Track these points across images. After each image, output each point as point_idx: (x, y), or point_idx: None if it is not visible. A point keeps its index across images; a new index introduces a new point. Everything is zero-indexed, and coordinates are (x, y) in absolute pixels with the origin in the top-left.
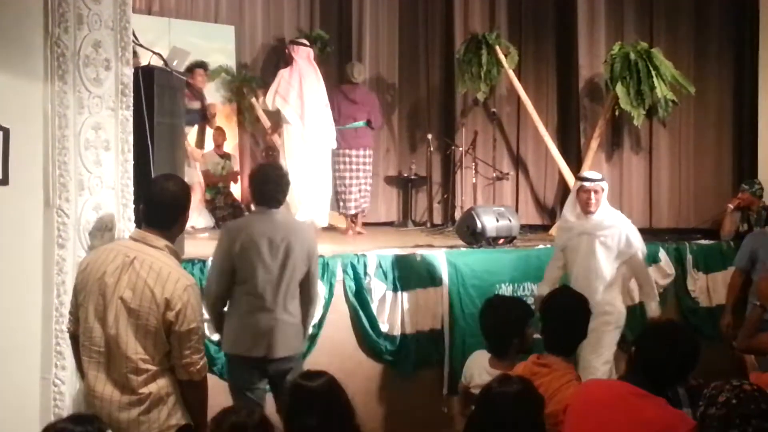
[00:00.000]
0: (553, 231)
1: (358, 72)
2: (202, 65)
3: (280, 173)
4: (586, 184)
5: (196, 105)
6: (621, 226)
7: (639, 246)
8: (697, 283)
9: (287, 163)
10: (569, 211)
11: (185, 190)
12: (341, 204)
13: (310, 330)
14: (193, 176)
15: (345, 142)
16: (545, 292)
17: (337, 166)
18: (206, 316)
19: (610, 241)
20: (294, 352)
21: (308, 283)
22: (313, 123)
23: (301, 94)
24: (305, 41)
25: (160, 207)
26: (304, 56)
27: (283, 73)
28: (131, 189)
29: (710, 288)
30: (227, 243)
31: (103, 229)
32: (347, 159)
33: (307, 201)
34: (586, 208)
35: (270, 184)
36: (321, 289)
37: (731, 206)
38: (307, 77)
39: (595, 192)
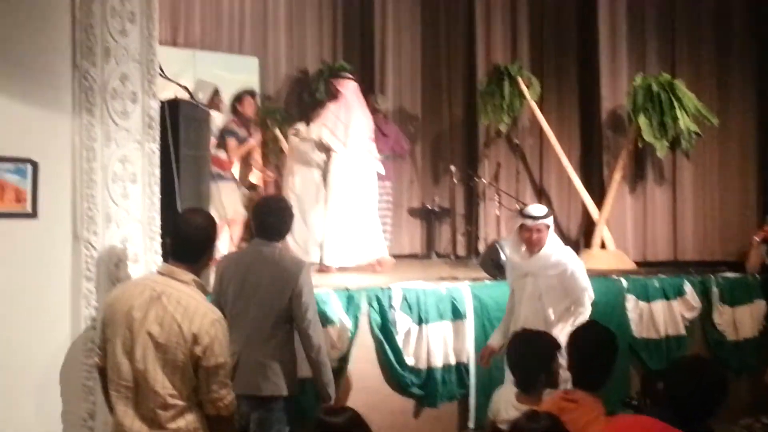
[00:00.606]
0: None
1: (382, 100)
2: (251, 93)
3: (282, 206)
4: (528, 222)
5: (243, 133)
6: (568, 263)
7: (586, 286)
8: (723, 317)
9: (328, 195)
10: (512, 250)
11: (212, 224)
12: None
13: (324, 376)
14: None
15: None
16: (496, 343)
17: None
18: None
19: (556, 281)
20: (255, 392)
21: (301, 326)
22: (359, 155)
23: (348, 126)
24: (349, 74)
25: (186, 241)
26: (350, 89)
27: (331, 107)
28: (158, 221)
29: (737, 321)
30: (215, 277)
31: (130, 262)
32: None
33: (343, 236)
34: (529, 247)
35: (271, 217)
36: (346, 323)
37: (757, 239)
38: (354, 109)
39: (538, 230)
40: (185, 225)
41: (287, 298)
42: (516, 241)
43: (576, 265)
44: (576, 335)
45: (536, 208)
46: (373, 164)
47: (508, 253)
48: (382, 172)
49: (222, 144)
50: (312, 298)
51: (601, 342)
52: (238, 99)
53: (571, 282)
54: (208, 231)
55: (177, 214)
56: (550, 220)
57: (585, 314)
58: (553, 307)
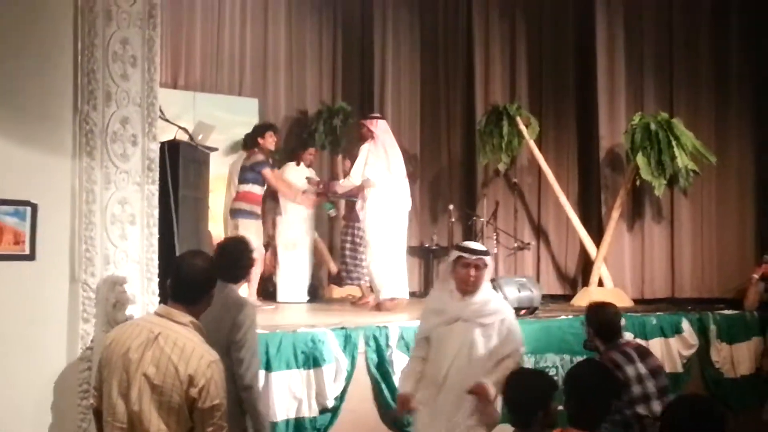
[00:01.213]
0: (575, 301)
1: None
2: (271, 127)
3: (240, 248)
4: (467, 256)
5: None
6: (505, 312)
7: (521, 340)
8: (721, 354)
9: (367, 233)
10: (441, 289)
11: (212, 267)
12: (360, 275)
13: (255, 421)
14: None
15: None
16: (410, 390)
17: (352, 238)
18: None
19: (492, 330)
20: None
21: (233, 365)
22: (398, 193)
23: (389, 165)
24: (378, 114)
25: (186, 283)
26: (383, 128)
27: (370, 147)
28: (156, 263)
29: (734, 359)
30: None
31: (128, 304)
32: (361, 232)
33: (388, 271)
34: (463, 286)
35: (226, 258)
36: (343, 362)
37: (756, 276)
38: (390, 148)
39: (477, 267)
40: (185, 267)
41: (226, 339)
42: (445, 280)
43: (513, 316)
44: (574, 373)
45: (475, 244)
46: (406, 201)
47: (433, 293)
48: (409, 207)
49: (254, 179)
50: (249, 338)
51: (599, 380)
52: (261, 134)
53: (509, 334)
54: (208, 273)
55: (177, 256)
56: (489, 260)
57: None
58: (486, 360)
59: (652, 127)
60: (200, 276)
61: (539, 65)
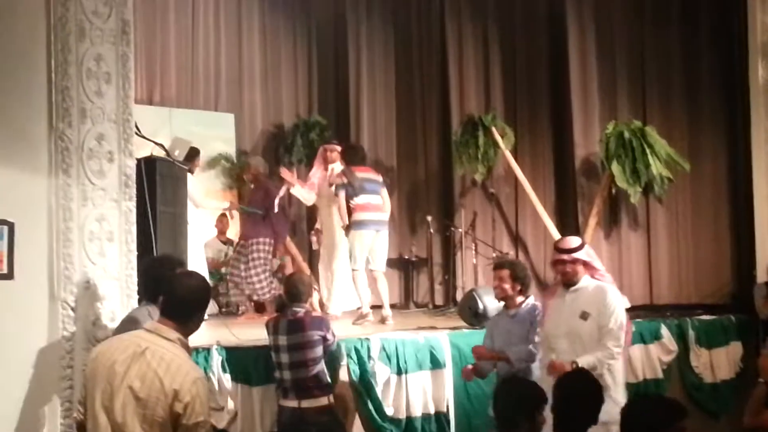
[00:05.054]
0: None
1: (255, 160)
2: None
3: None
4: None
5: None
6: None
7: None
8: (700, 359)
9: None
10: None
11: (205, 288)
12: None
13: None
14: None
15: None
16: None
17: (267, 255)
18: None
19: None
20: None
21: None
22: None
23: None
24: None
25: (178, 301)
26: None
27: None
28: (135, 279)
29: (714, 364)
30: None
31: (107, 321)
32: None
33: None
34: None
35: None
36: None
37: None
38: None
39: None
40: (179, 285)
41: None
42: None
43: None
44: (563, 381)
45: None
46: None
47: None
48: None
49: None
50: None
51: (587, 391)
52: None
53: None
54: (200, 294)
55: (171, 274)
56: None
57: None
58: None
59: (626, 135)
60: (192, 296)
61: (513, 75)
